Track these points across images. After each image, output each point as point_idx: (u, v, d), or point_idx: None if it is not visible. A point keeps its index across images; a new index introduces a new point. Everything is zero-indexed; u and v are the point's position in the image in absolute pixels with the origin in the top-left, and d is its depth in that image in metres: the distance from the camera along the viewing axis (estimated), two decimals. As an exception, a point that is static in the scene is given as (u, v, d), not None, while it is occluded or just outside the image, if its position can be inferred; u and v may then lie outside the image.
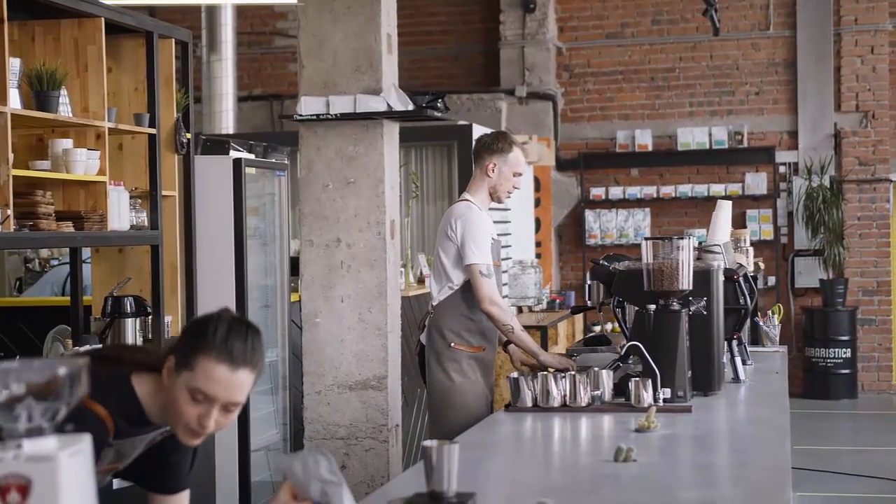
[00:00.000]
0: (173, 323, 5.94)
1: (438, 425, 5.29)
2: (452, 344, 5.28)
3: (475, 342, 5.31)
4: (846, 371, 12.39)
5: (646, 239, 4.51)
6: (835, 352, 12.36)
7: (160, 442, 2.80)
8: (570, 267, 13.27)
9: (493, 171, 5.36)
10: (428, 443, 2.73)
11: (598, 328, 12.49)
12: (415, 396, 7.61)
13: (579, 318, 11.45)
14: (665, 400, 4.29)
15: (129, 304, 5.52)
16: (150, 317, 5.67)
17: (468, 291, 5.27)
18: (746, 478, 3.17)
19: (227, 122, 10.87)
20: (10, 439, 1.75)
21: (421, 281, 8.07)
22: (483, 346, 5.33)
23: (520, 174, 5.44)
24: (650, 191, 12.94)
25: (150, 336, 5.69)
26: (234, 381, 2.56)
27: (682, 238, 4.46)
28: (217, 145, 6.69)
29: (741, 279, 5.13)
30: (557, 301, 11.33)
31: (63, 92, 5.07)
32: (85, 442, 1.81)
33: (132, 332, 5.51)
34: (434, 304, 5.37)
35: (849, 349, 12.38)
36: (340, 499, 2.49)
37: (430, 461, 2.72)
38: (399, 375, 6.23)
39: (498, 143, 5.40)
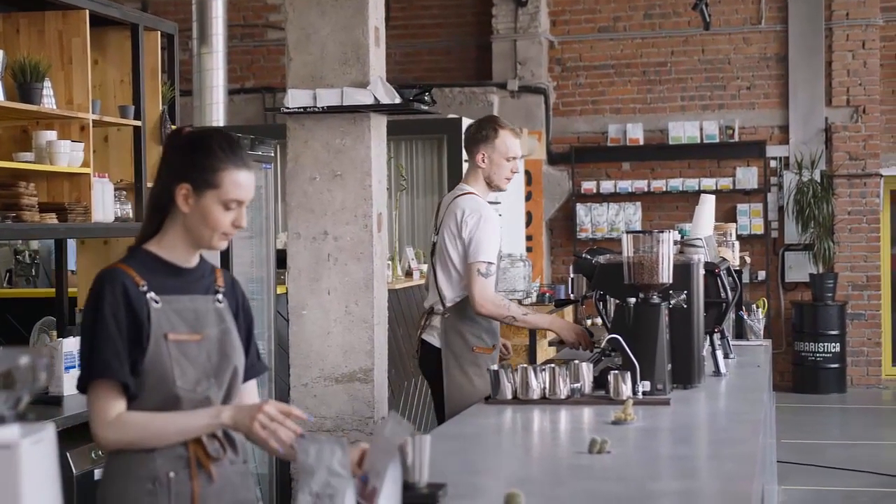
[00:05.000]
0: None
1: None
2: (475, 348, 5.16)
3: (491, 342, 5.23)
4: (835, 365, 12.43)
5: (626, 232, 4.52)
6: (824, 346, 12.39)
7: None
8: (561, 261, 13.29)
9: (483, 160, 5.24)
10: (399, 434, 2.75)
11: (589, 321, 12.52)
12: (401, 389, 7.63)
13: (570, 311, 11.47)
14: (644, 393, 4.31)
15: (113, 296, 5.51)
16: (135, 308, 5.67)
17: None
18: (716, 469, 3.20)
19: (217, 114, 10.81)
20: (-29, 427, 1.77)
21: (409, 274, 8.08)
22: (495, 344, 5.27)
23: (513, 158, 5.25)
24: (641, 185, 12.96)
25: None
26: (252, 181, 2.91)
27: (662, 232, 4.48)
28: (204, 138, 6.69)
29: (723, 273, 5.14)
30: (548, 294, 11.34)
31: (47, 84, 5.09)
32: (48, 430, 1.82)
33: (117, 323, 5.50)
34: (447, 304, 5.20)
35: (838, 343, 12.42)
36: (343, 495, 2.52)
37: (402, 452, 2.75)
38: (385, 368, 6.24)
39: (482, 130, 5.26)
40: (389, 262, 7.47)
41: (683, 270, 4.60)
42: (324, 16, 6.08)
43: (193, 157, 2.88)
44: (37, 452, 1.78)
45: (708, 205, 5.63)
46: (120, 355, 2.79)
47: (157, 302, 2.85)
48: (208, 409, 2.83)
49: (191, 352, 2.87)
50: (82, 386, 2.85)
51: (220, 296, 2.99)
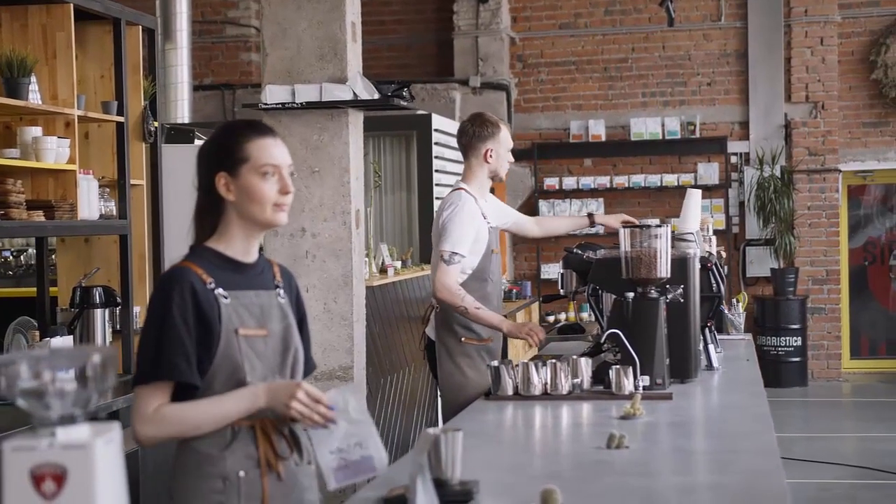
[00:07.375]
0: (142, 313, 5.87)
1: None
2: (463, 339, 5.22)
3: (484, 334, 5.25)
4: (797, 359, 12.54)
5: (624, 226, 4.52)
6: (785, 340, 12.49)
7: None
8: (524, 257, 13.30)
9: (491, 156, 5.37)
10: (432, 430, 2.72)
11: (551, 318, 12.55)
12: (378, 387, 7.59)
13: (535, 307, 11.49)
14: (644, 387, 4.31)
15: (97, 295, 5.44)
16: (119, 307, 5.60)
17: (473, 283, 5.20)
18: (739, 463, 3.19)
19: (182, 111, 10.74)
20: (43, 428, 1.73)
21: (383, 271, 8.04)
22: (491, 337, 5.28)
23: (510, 148, 5.48)
24: (604, 181, 13.00)
25: (118, 327, 5.61)
26: (281, 146, 2.92)
27: (659, 226, 4.48)
28: (181, 134, 6.63)
29: (714, 267, 5.16)
30: (514, 291, 11.37)
31: (33, 79, 5.00)
32: (115, 429, 1.78)
33: (101, 322, 5.43)
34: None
35: (799, 337, 12.53)
36: (372, 437, 2.50)
37: (435, 448, 2.72)
38: (364, 365, 6.21)
39: (487, 128, 5.37)
40: (366, 259, 7.43)
41: (680, 265, 4.61)
42: (300, 10, 6.03)
43: (218, 146, 2.92)
44: (108, 452, 1.75)
45: (695, 199, 5.64)
46: (189, 357, 2.77)
47: (225, 297, 2.84)
48: (245, 394, 2.79)
49: (258, 346, 2.86)
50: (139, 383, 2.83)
51: (281, 291, 2.98)
